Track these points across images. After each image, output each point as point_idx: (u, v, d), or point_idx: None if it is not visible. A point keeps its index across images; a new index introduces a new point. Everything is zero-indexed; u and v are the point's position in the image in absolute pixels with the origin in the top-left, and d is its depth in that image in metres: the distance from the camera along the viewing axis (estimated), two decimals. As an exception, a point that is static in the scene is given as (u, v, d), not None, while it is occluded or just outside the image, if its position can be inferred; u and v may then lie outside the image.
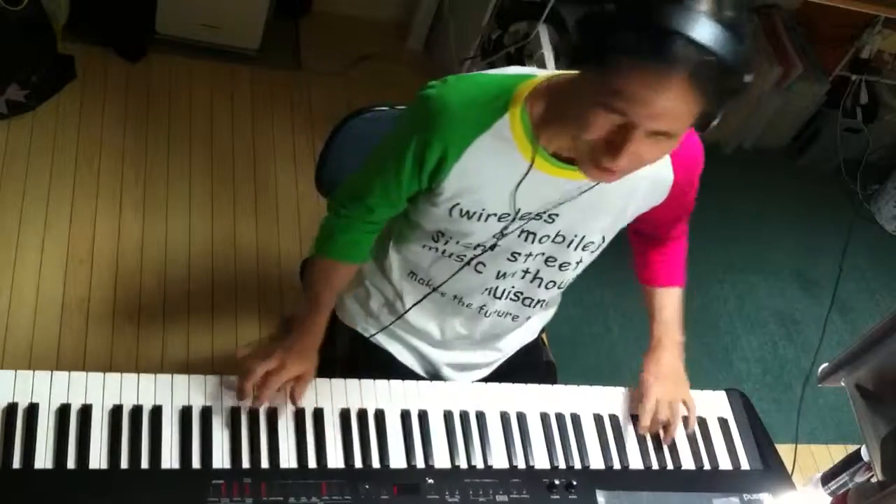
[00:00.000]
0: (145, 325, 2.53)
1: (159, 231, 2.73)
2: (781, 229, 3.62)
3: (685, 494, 1.59)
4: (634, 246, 1.80)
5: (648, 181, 1.48)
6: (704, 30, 1.12)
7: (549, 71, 1.44)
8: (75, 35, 3.04)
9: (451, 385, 1.65)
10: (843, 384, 1.75)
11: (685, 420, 1.69)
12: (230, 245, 2.78)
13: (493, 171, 1.40)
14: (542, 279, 1.61)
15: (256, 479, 1.40)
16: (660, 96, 1.15)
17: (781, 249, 3.54)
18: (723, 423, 1.72)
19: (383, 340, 1.75)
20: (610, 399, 1.69)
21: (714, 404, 1.75)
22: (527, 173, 1.40)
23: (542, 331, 1.91)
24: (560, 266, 1.58)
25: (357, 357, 1.77)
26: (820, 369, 1.80)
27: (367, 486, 1.44)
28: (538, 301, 1.66)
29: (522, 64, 2.81)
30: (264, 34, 3.19)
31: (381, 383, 1.58)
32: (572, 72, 1.34)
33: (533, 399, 1.64)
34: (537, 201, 1.45)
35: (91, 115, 2.92)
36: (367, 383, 1.57)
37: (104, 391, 1.43)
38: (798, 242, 3.59)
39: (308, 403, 1.52)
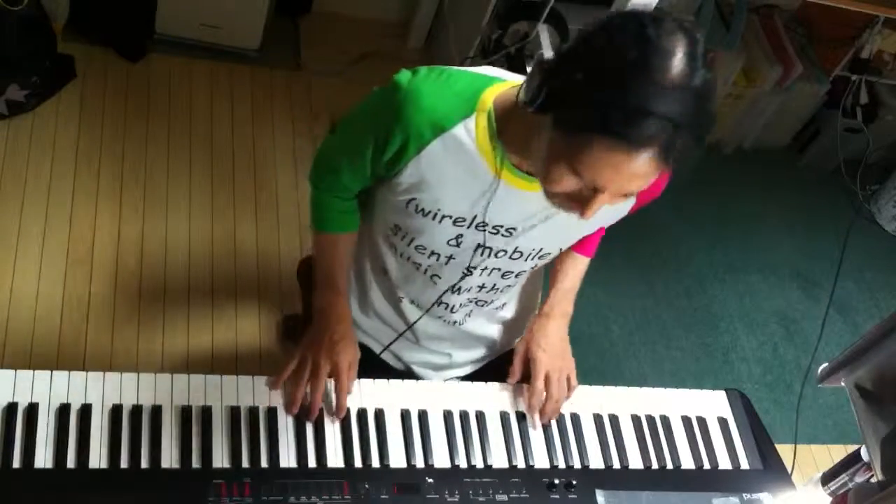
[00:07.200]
0: (145, 325, 2.53)
1: (159, 231, 2.73)
2: (781, 229, 3.62)
3: (685, 494, 1.59)
4: None
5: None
6: (675, 106, 1.11)
7: (519, 77, 1.40)
8: (75, 35, 3.04)
9: (451, 385, 1.65)
10: (843, 384, 1.75)
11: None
12: (230, 245, 2.78)
13: (453, 173, 1.39)
14: (497, 289, 1.60)
15: (256, 479, 1.40)
16: (629, 171, 1.15)
17: (781, 249, 3.55)
18: (722, 423, 1.72)
19: (362, 338, 1.74)
20: (610, 399, 1.69)
21: (714, 404, 1.75)
22: (496, 189, 1.38)
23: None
24: (516, 275, 1.58)
25: None
26: (820, 369, 1.80)
27: (366, 486, 1.44)
28: (492, 301, 1.65)
29: (522, 64, 2.81)
30: (264, 34, 3.19)
31: (381, 383, 1.58)
32: None
33: (533, 399, 1.64)
34: (503, 216, 1.44)
35: (91, 115, 2.92)
36: (367, 383, 1.57)
37: (104, 391, 1.43)
38: (798, 242, 3.59)
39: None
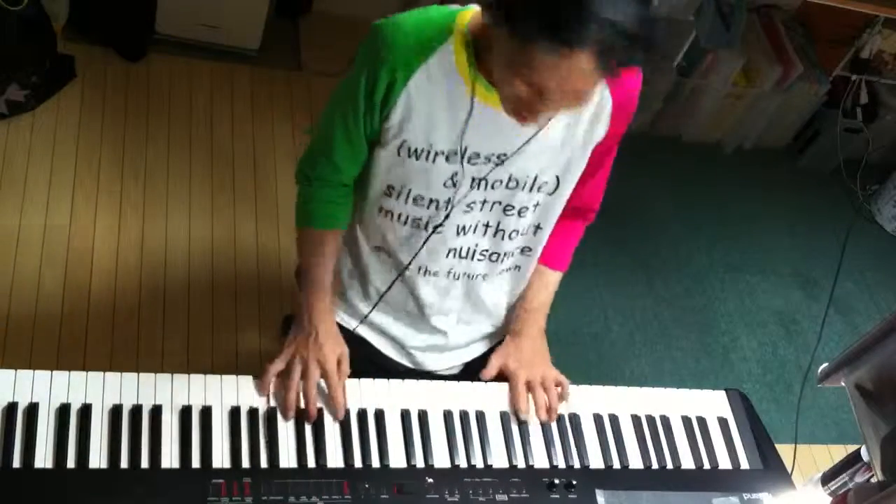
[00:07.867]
0: (145, 325, 2.53)
1: (159, 231, 2.73)
2: (781, 229, 3.62)
3: (685, 494, 1.59)
4: None
5: (588, 111, 1.49)
6: (612, 8, 1.17)
7: None
8: (75, 35, 3.04)
9: (451, 385, 1.65)
10: (843, 384, 1.74)
11: (559, 395, 1.67)
12: (230, 245, 2.78)
13: (438, 101, 1.43)
14: (504, 231, 1.60)
15: (256, 479, 1.40)
16: (569, 73, 1.22)
17: (781, 249, 3.55)
18: (723, 422, 1.72)
19: (363, 331, 1.75)
20: (610, 399, 1.69)
21: (714, 404, 1.75)
22: (472, 108, 1.42)
23: None
24: (519, 212, 1.58)
25: None
26: (819, 369, 1.80)
27: (367, 486, 1.44)
28: (505, 254, 1.65)
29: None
30: (264, 34, 3.19)
31: (381, 383, 1.58)
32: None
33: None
34: (484, 140, 1.46)
35: (91, 115, 2.93)
36: (367, 383, 1.57)
37: (104, 391, 1.43)
38: (798, 242, 3.59)
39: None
